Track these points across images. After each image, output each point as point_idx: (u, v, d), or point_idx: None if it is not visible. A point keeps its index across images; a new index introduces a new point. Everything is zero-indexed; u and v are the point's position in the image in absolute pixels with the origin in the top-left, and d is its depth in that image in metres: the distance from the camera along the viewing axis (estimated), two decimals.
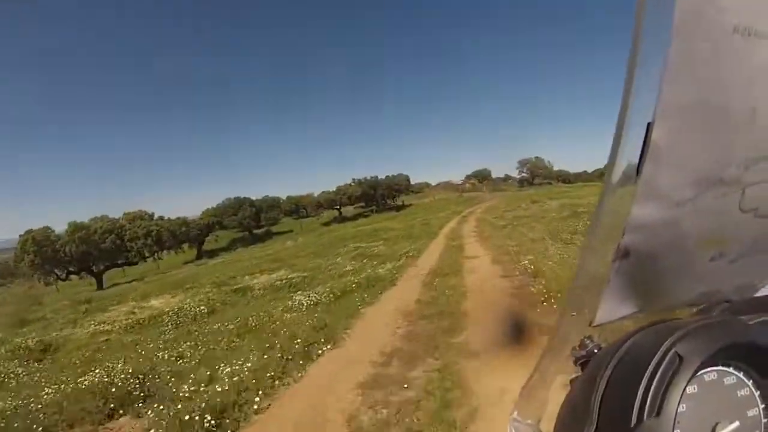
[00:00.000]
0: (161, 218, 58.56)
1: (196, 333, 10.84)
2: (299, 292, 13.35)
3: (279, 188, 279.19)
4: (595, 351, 0.61)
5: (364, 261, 18.39)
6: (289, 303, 11.43)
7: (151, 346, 10.36)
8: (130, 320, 14.70)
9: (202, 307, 14.04)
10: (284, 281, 16.49)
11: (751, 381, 0.54)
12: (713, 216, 0.52)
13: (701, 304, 0.65)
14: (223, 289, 18.05)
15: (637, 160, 0.45)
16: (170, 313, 14.10)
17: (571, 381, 0.62)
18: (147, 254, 55.38)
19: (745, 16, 0.41)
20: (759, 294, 0.68)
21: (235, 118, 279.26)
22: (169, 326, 12.52)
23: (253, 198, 71.66)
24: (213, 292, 17.41)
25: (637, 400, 0.45)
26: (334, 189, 76.52)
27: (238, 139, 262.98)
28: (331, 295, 11.34)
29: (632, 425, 0.44)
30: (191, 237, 60.61)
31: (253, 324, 10.10)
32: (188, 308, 14.19)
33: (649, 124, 0.43)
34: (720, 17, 0.41)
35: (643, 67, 0.42)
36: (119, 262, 54.69)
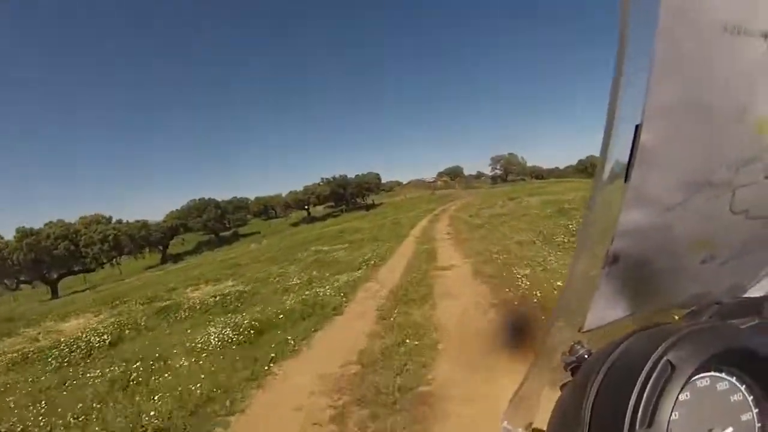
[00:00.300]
0: (119, 222, 54.36)
1: (71, 380, 7.91)
2: (224, 317, 10.09)
3: (247, 189, 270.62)
4: (586, 356, 0.59)
5: (315, 272, 15.11)
6: (198, 339, 8.14)
7: (9, 399, 7.39)
8: (23, 351, 11.54)
9: (105, 337, 10.92)
10: (218, 298, 13.25)
11: (744, 386, 0.54)
12: (704, 219, 0.52)
13: (692, 306, 0.65)
14: (154, 305, 14.76)
15: (625, 164, 0.45)
16: (64, 345, 10.90)
17: (562, 386, 0.60)
18: (104, 260, 51.11)
19: (733, 14, 0.41)
20: (749, 294, 0.67)
21: (202, 118, 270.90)
22: (53, 365, 9.47)
23: (219, 199, 67.75)
24: (136, 311, 14.19)
25: (628, 411, 0.45)
26: (302, 189, 73.02)
27: (206, 139, 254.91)
28: (249, 331, 8.01)
29: None
30: (152, 241, 56.73)
31: (136, 376, 7.00)
32: (89, 338, 11.08)
33: (637, 126, 0.43)
34: (707, 16, 0.40)
35: (630, 69, 0.41)
36: (75, 269, 50.78)
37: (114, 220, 54.47)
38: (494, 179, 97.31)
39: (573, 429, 0.49)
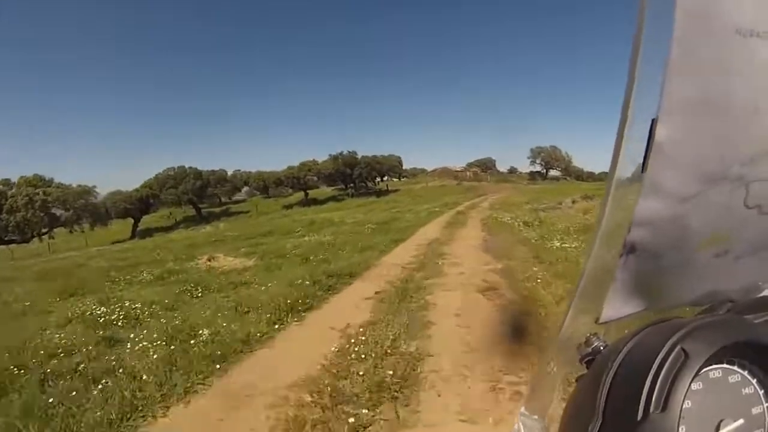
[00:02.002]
0: (60, 185, 40.96)
1: None
2: None
3: (270, 162, 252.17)
4: (601, 348, 0.56)
5: None
6: None
7: None
8: None
9: None
10: None
11: (755, 380, 0.52)
12: (718, 212, 0.52)
13: (707, 304, 0.63)
14: None
15: (641, 156, 0.45)
16: None
17: (577, 379, 0.57)
18: (28, 231, 38.29)
19: (745, 17, 0.42)
20: (764, 294, 0.64)
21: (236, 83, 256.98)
22: None
23: (203, 169, 54.52)
24: None
25: (642, 395, 0.44)
26: (298, 164, 58.88)
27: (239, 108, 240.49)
28: None
29: (638, 419, 0.43)
30: (96, 211, 43.31)
31: None
32: None
33: (653, 120, 0.43)
34: (720, 18, 0.41)
35: (647, 64, 0.42)
36: (6, 238, 38.84)
37: (55, 183, 41.07)
38: (532, 175, 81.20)
39: (588, 418, 0.47)
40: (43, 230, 39.72)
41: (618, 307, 0.56)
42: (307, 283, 6.73)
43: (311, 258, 10.26)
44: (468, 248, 10.20)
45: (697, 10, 0.39)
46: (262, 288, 7.38)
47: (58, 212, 40.03)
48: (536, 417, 0.63)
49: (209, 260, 13.06)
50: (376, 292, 6.25)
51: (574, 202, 19.99)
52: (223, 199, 62.55)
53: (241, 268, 10.79)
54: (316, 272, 7.80)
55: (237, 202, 63.89)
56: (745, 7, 0.41)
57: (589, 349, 0.55)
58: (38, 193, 38.25)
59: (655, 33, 0.40)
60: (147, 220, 52.02)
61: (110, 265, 13.63)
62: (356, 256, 9.79)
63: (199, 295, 7.96)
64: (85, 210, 41.64)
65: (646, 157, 0.44)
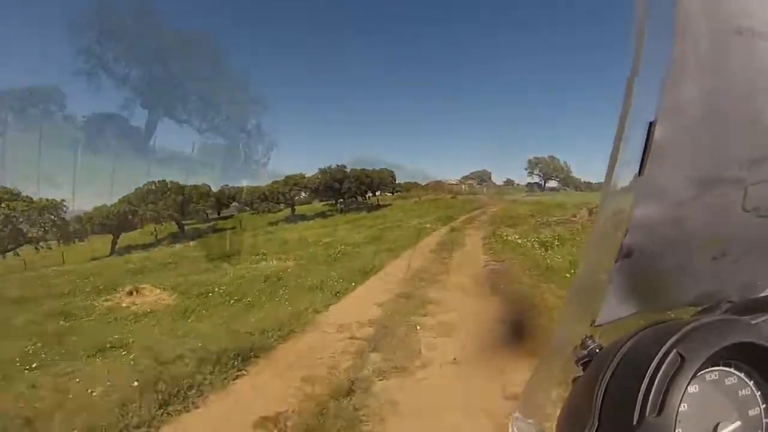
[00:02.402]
0: (27, 199, 37.91)
1: None
2: None
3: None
4: (597, 351, 0.57)
5: None
6: None
7: None
8: None
9: None
10: None
11: (752, 381, 0.52)
12: (715, 215, 0.52)
13: (704, 304, 0.63)
14: None
15: (638, 160, 0.45)
16: None
17: (573, 380, 0.58)
18: None
19: (746, 18, 0.42)
20: (762, 294, 0.64)
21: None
22: None
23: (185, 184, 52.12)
24: None
25: (638, 399, 0.44)
26: (283, 179, 56.00)
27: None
28: None
29: (634, 423, 0.43)
30: (64, 228, 40.34)
31: None
32: None
33: (650, 123, 0.43)
34: (722, 19, 0.41)
35: (646, 67, 0.42)
36: None
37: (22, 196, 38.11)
38: (530, 186, 77.79)
39: (584, 421, 0.47)
40: (9, 246, 36.76)
41: (614, 308, 0.55)
42: (134, 383, 3.45)
43: (234, 301, 7.30)
44: (466, 289, 6.90)
45: (698, 11, 0.38)
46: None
47: (26, 228, 37.10)
48: (531, 421, 0.61)
49: (130, 293, 10.81)
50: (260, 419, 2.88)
51: (591, 213, 16.79)
52: (211, 215, 59.39)
53: (147, 310, 8.32)
54: (210, 340, 4.67)
55: (226, 218, 60.45)
56: (745, 6, 0.40)
57: (585, 351, 0.55)
58: (1, 207, 35.27)
59: (655, 35, 0.39)
60: (131, 236, 48.83)
61: (19, 296, 11.97)
62: (293, 303, 6.60)
63: (34, 366, 5.59)
64: (53, 225, 38.36)
65: (643, 161, 0.43)
